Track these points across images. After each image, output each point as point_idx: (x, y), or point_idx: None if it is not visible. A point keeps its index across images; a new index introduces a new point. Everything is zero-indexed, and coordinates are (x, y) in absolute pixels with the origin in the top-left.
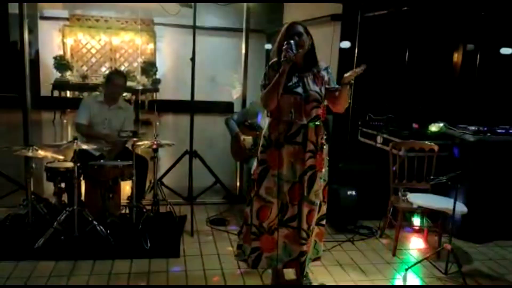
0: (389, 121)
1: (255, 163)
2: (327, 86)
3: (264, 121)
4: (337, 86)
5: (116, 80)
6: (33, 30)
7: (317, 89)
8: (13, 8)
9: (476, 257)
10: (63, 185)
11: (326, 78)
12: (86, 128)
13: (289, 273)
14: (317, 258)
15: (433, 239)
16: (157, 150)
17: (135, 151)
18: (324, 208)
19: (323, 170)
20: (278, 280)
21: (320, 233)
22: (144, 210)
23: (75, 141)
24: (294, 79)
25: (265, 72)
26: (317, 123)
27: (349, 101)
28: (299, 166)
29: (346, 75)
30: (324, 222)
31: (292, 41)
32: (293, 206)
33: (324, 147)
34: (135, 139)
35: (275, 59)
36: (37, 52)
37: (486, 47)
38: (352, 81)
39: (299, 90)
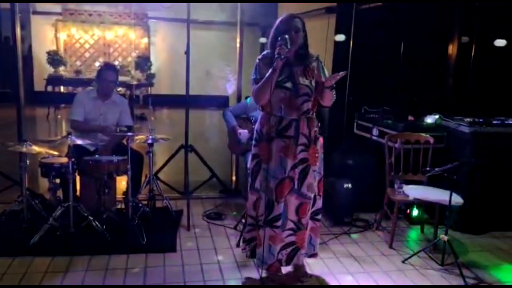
0: (384, 114)
1: (250, 157)
2: (318, 80)
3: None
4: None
5: (106, 75)
6: (26, 25)
7: (307, 82)
8: (5, 4)
9: (472, 248)
10: (58, 180)
11: (316, 70)
12: (82, 124)
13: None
14: (314, 255)
15: (429, 230)
16: (153, 145)
17: (130, 146)
18: (319, 203)
19: (317, 163)
20: (278, 275)
21: (315, 228)
22: (140, 205)
23: (69, 136)
24: (284, 74)
25: (255, 65)
26: (309, 115)
27: (335, 98)
28: (289, 160)
29: (326, 80)
30: (319, 217)
31: (286, 36)
32: (279, 204)
33: (318, 140)
34: (130, 134)
35: (265, 52)
36: (30, 47)
37: (481, 39)
38: (334, 85)
39: (289, 85)
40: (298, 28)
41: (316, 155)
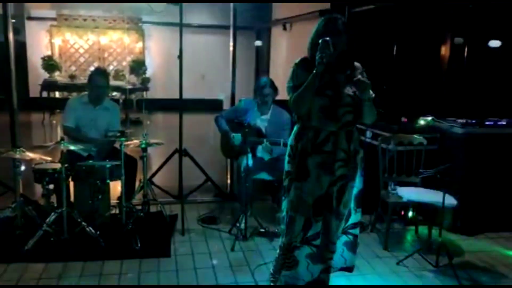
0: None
1: (244, 161)
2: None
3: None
4: (372, 94)
5: (96, 80)
6: (21, 31)
7: (350, 92)
8: None
9: (467, 249)
10: (51, 186)
11: (361, 83)
12: (74, 131)
13: None
14: (346, 268)
15: (423, 232)
16: (147, 149)
17: (124, 151)
18: (358, 216)
19: (356, 178)
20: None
21: (349, 242)
22: (134, 210)
23: (62, 142)
24: (325, 80)
25: (292, 70)
26: (349, 128)
27: (376, 115)
28: (327, 177)
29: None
30: (356, 231)
31: (328, 38)
32: (317, 222)
33: (358, 153)
34: (123, 139)
35: (302, 57)
36: (25, 53)
37: (474, 40)
38: (373, 95)
39: (329, 92)
40: (339, 31)
41: (356, 170)
